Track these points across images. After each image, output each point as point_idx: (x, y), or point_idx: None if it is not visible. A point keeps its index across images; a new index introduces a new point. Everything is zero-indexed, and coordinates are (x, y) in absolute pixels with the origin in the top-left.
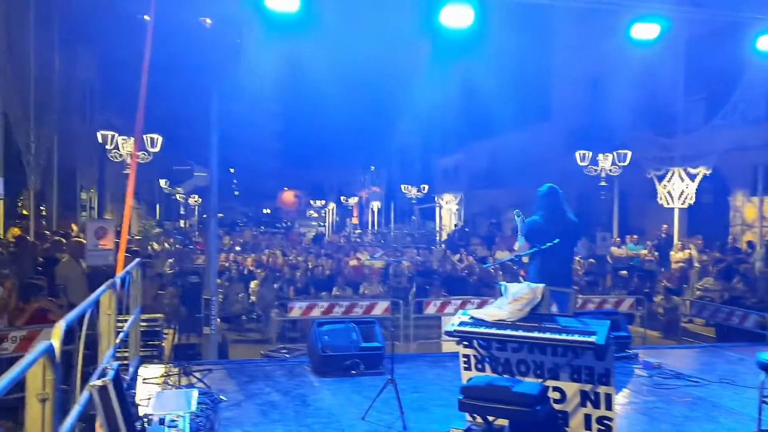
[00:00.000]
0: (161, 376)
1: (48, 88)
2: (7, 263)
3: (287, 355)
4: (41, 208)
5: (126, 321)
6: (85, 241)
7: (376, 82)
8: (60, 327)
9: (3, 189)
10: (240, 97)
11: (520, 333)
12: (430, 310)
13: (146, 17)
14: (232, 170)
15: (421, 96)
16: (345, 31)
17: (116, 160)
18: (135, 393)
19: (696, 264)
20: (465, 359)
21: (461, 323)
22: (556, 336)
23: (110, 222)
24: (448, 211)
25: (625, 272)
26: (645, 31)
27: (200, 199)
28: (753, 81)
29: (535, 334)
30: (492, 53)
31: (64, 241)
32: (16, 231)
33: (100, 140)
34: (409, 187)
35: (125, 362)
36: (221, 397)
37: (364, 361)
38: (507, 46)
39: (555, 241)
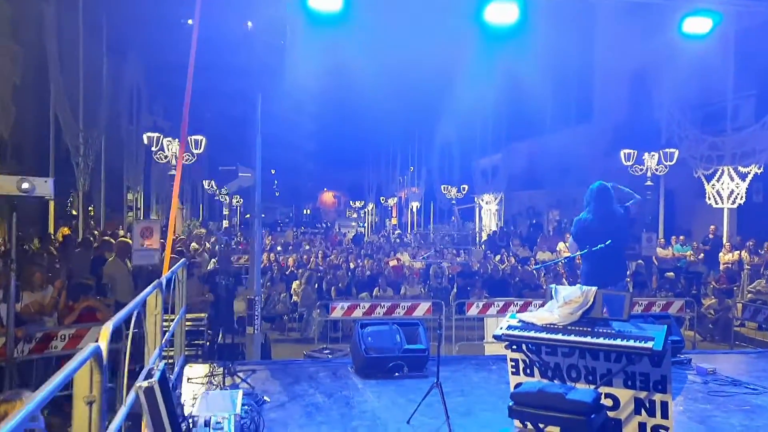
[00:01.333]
0: (205, 376)
1: (96, 92)
2: (58, 262)
3: (330, 356)
4: (90, 208)
5: (172, 320)
6: (131, 241)
7: (416, 82)
8: (108, 328)
9: (53, 189)
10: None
11: (572, 338)
12: (472, 311)
13: (190, 21)
14: (273, 171)
15: (462, 95)
16: (386, 29)
17: (161, 162)
18: (180, 393)
19: (746, 266)
20: (513, 363)
21: (510, 327)
22: (611, 341)
23: (155, 222)
24: (488, 212)
25: (671, 274)
26: (697, 25)
27: (242, 200)
28: None
29: (588, 339)
30: (536, 51)
31: (112, 241)
32: (65, 231)
33: (145, 142)
34: (449, 187)
35: (170, 361)
36: (265, 398)
37: (407, 364)
38: (551, 44)
39: (607, 242)
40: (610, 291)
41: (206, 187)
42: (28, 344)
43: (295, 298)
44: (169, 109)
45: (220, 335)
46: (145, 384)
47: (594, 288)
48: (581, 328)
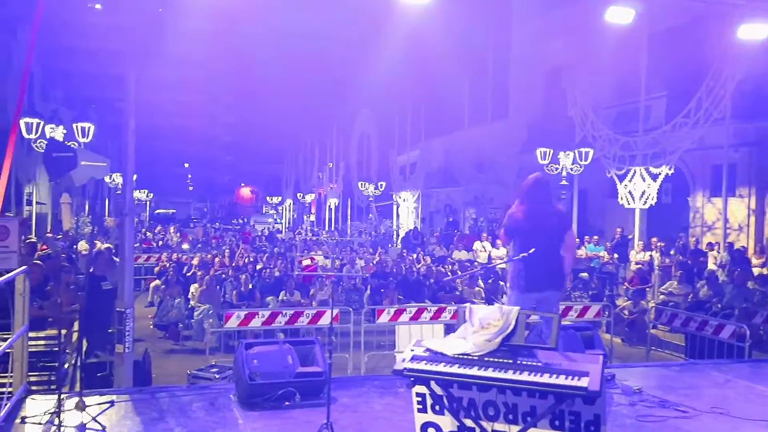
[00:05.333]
0: (46, 413)
1: None
2: None
3: (216, 376)
4: None
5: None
6: None
7: (334, 74)
8: None
9: None
10: (195, 87)
11: (491, 372)
12: (383, 319)
13: (98, 6)
14: (186, 165)
15: (380, 89)
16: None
17: (40, 151)
18: None
19: (657, 267)
20: (419, 399)
21: (414, 358)
22: (537, 377)
23: (12, 220)
24: (406, 210)
25: (585, 274)
26: (618, 16)
27: (152, 194)
28: (717, 78)
29: (510, 375)
30: (453, 44)
31: None
32: None
33: (23, 129)
34: (367, 184)
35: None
36: None
37: (300, 390)
38: (468, 35)
39: (531, 251)
40: (533, 312)
41: (108, 181)
42: None
43: (192, 303)
44: (71, 97)
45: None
46: None
47: (516, 308)
48: (501, 360)
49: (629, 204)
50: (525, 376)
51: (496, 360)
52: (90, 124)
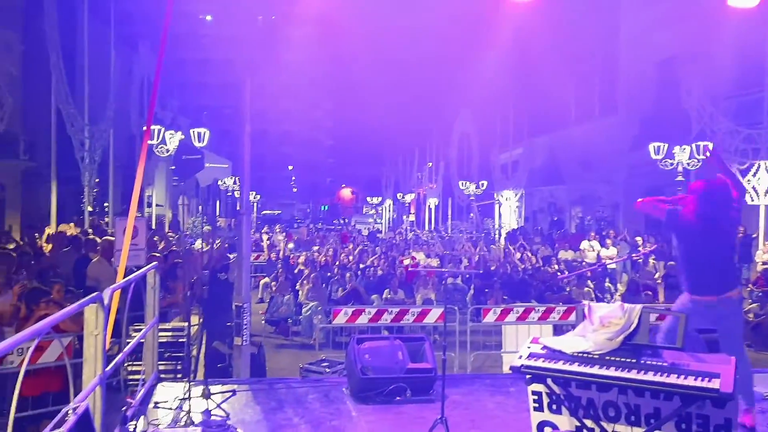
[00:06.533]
0: (177, 399)
1: (104, 85)
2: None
3: (327, 370)
4: (105, 204)
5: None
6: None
7: (435, 74)
8: None
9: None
10: (299, 94)
11: (613, 371)
12: (489, 318)
13: (209, 17)
14: (290, 167)
15: (482, 87)
16: (401, 20)
17: (162, 155)
18: (135, 425)
19: None
20: (535, 398)
21: (531, 355)
22: (663, 378)
23: (141, 219)
24: (508, 209)
25: None
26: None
27: (259, 196)
28: None
29: (634, 375)
30: (559, 39)
31: (97, 239)
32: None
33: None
34: (467, 183)
35: (135, 379)
36: (239, 430)
37: (411, 386)
38: (574, 31)
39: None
40: (656, 309)
41: (219, 183)
42: None
43: (300, 299)
44: (184, 105)
45: (199, 348)
46: None
47: (638, 306)
48: (623, 359)
49: (753, 200)
50: (650, 376)
51: (618, 359)
52: (206, 130)
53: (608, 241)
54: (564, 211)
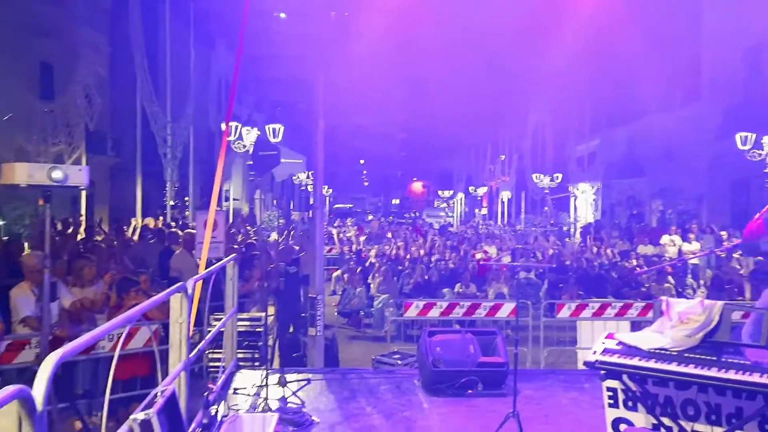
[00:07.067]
0: (255, 386)
1: (184, 83)
2: (113, 256)
3: (399, 362)
4: (186, 199)
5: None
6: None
7: (508, 65)
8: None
9: (88, 178)
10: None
11: (692, 369)
12: (564, 314)
13: (283, 15)
14: (362, 161)
15: (557, 77)
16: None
17: (240, 151)
18: (216, 410)
19: None
20: (610, 394)
21: (606, 351)
22: (746, 377)
23: (221, 213)
24: (584, 202)
25: None
26: None
27: (331, 190)
28: None
29: (714, 373)
30: (638, 24)
31: (179, 232)
32: (150, 222)
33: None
34: (541, 176)
35: (216, 366)
36: (314, 418)
37: (482, 380)
38: (654, 15)
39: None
40: (741, 307)
41: (294, 179)
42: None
43: (372, 291)
44: (259, 100)
45: (275, 338)
46: (140, 416)
47: (719, 303)
48: (703, 356)
49: None
50: (731, 375)
51: (697, 356)
52: (280, 126)
53: (691, 236)
54: (644, 204)
